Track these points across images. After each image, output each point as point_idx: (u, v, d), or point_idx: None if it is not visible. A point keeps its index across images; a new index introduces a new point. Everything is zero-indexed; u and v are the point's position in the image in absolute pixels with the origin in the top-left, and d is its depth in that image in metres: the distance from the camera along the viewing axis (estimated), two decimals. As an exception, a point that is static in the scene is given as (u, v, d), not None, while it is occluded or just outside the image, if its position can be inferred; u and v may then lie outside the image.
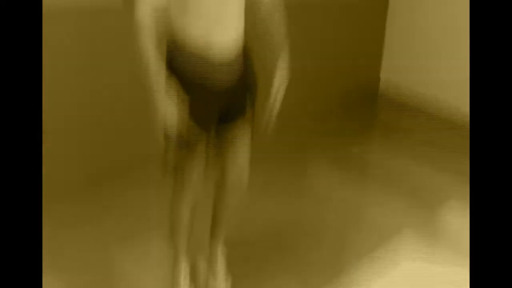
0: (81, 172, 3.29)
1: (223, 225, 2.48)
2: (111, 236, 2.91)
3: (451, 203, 3.40)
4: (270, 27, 2.20)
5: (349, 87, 4.91)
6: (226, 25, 2.02)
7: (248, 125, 2.27)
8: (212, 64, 2.05)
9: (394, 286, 2.65)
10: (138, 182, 3.43)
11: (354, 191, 3.50)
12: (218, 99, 2.12)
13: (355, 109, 4.80)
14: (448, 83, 4.66)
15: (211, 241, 2.52)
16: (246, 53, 2.20)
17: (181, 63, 2.04)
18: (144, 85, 2.07)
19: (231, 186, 2.35)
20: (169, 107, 1.97)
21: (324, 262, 2.82)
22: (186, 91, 2.05)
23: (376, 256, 2.87)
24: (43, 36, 2.78)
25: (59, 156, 3.17)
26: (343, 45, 4.70)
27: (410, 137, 4.31)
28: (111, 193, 3.31)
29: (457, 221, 3.20)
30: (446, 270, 2.80)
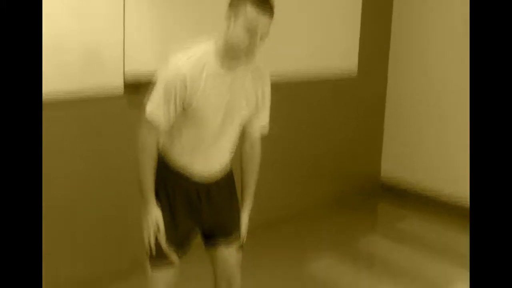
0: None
1: None
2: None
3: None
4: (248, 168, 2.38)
5: (349, 181, 5.05)
6: (210, 161, 2.24)
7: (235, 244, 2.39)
8: (196, 185, 2.23)
9: None
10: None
11: (361, 285, 3.55)
12: (202, 219, 2.27)
13: (358, 205, 4.92)
14: (448, 175, 4.78)
15: None
16: (230, 179, 2.37)
17: (170, 181, 2.23)
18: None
19: None
20: (155, 218, 2.19)
21: None
22: (172, 207, 2.22)
23: None
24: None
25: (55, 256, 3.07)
26: (342, 140, 4.86)
27: (412, 226, 4.49)
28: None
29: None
30: None
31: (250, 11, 1.95)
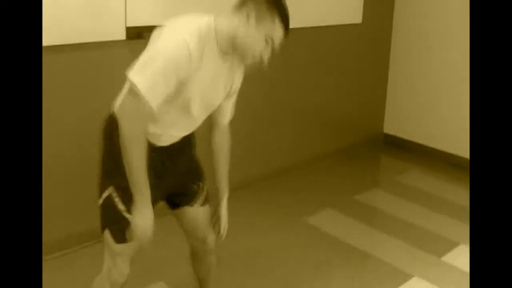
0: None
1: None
2: None
3: (457, 249, 3.41)
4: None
5: (352, 133, 5.05)
6: (177, 135, 2.08)
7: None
8: (160, 152, 2.04)
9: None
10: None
11: (361, 238, 3.53)
12: (165, 185, 2.11)
13: (359, 158, 4.91)
14: (448, 132, 4.79)
15: None
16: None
17: None
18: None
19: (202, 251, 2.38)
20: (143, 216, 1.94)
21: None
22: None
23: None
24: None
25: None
26: (345, 90, 4.82)
27: (413, 179, 4.50)
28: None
29: (464, 266, 3.17)
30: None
31: (278, 26, 1.90)
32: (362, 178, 4.51)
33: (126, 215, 1.96)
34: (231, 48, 1.94)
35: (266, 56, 1.93)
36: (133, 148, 1.83)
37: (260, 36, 1.89)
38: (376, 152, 5.14)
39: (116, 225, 2.00)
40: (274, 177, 4.26)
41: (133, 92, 1.78)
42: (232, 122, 2.29)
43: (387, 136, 5.24)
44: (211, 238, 2.33)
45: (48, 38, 2.71)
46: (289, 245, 3.40)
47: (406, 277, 3.09)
